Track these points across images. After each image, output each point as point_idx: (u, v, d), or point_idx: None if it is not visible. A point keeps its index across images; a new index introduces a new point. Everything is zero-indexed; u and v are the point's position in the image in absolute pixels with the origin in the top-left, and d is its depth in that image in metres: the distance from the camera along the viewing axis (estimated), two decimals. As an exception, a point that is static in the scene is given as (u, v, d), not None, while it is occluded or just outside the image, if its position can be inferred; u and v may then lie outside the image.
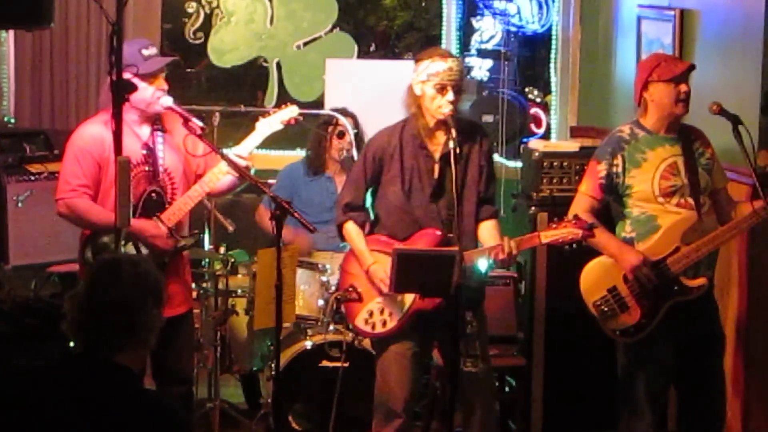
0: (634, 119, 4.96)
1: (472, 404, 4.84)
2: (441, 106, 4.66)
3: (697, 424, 4.98)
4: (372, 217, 4.94)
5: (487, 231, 4.81)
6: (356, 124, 6.13)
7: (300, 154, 6.80)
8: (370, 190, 4.90)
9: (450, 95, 4.64)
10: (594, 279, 4.91)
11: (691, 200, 4.80)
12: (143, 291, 3.08)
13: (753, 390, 5.39)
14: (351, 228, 4.87)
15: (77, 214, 4.80)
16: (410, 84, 4.76)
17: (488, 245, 4.68)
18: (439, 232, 4.69)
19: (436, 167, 4.74)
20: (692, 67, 4.87)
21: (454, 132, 4.57)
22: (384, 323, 4.77)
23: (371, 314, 4.80)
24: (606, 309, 4.87)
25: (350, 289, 4.84)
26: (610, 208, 4.98)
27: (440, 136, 4.72)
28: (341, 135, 6.13)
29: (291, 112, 5.07)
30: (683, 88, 4.80)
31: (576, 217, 4.65)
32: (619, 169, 4.86)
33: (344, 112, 6.15)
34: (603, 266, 4.90)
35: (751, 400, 5.39)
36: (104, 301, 3.03)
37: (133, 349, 3.06)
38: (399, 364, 4.79)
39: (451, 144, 4.55)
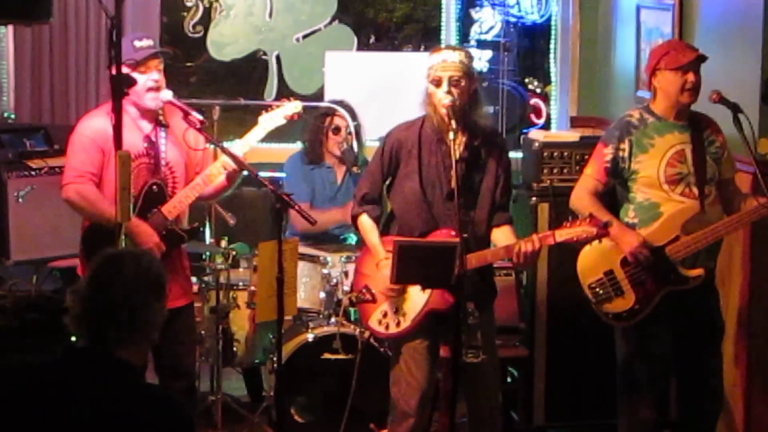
0: (644, 104, 4.95)
1: (474, 395, 4.83)
2: (440, 99, 4.56)
3: (694, 411, 5.00)
4: (387, 210, 4.88)
5: (503, 234, 4.73)
6: (354, 116, 6.09)
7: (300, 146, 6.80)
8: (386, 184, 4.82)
9: (444, 87, 4.55)
10: (591, 261, 4.92)
11: (695, 189, 4.80)
12: (145, 285, 3.08)
13: (755, 378, 5.39)
14: (365, 221, 4.79)
15: (87, 199, 4.79)
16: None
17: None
18: (454, 233, 4.53)
19: (455, 167, 4.56)
20: (702, 58, 4.82)
21: (453, 123, 4.48)
22: (398, 323, 4.70)
23: (385, 315, 4.72)
24: (601, 292, 4.88)
25: (364, 290, 4.76)
26: (615, 192, 4.98)
27: (457, 135, 4.54)
28: (336, 131, 6.09)
29: (294, 107, 5.02)
30: (690, 77, 4.77)
31: (591, 215, 4.56)
32: (626, 154, 4.85)
33: (341, 104, 6.10)
34: (601, 249, 4.90)
35: (754, 388, 5.39)
36: (106, 296, 3.03)
37: (135, 344, 3.07)
38: (413, 365, 4.73)
39: (451, 135, 4.46)
